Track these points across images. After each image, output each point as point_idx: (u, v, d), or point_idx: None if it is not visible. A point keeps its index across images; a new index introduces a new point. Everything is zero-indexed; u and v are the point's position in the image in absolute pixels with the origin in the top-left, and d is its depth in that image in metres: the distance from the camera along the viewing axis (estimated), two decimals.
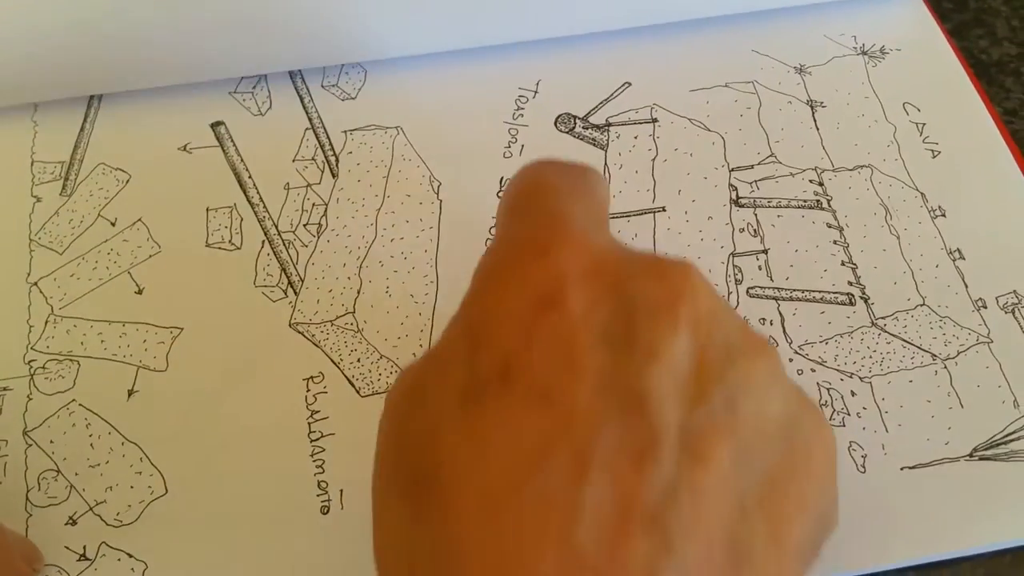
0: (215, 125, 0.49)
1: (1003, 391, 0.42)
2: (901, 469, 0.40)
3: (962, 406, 0.42)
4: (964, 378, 0.43)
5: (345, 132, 0.49)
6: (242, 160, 0.48)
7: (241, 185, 0.47)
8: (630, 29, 0.52)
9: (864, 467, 0.40)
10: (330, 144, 0.48)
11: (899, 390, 0.42)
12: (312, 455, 0.40)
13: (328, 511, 0.39)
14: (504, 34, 0.51)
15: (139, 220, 0.46)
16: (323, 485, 0.39)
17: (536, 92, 0.51)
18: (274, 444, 0.40)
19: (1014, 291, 0.45)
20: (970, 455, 0.41)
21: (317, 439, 0.40)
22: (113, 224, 0.46)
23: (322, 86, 0.50)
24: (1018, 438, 0.41)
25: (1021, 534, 0.39)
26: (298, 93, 0.50)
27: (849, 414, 0.42)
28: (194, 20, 0.46)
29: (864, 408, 0.42)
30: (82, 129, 0.48)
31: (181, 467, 0.40)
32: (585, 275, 0.28)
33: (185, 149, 0.48)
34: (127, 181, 0.47)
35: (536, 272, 0.28)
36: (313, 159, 0.48)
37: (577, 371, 0.26)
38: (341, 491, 0.39)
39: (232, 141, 0.48)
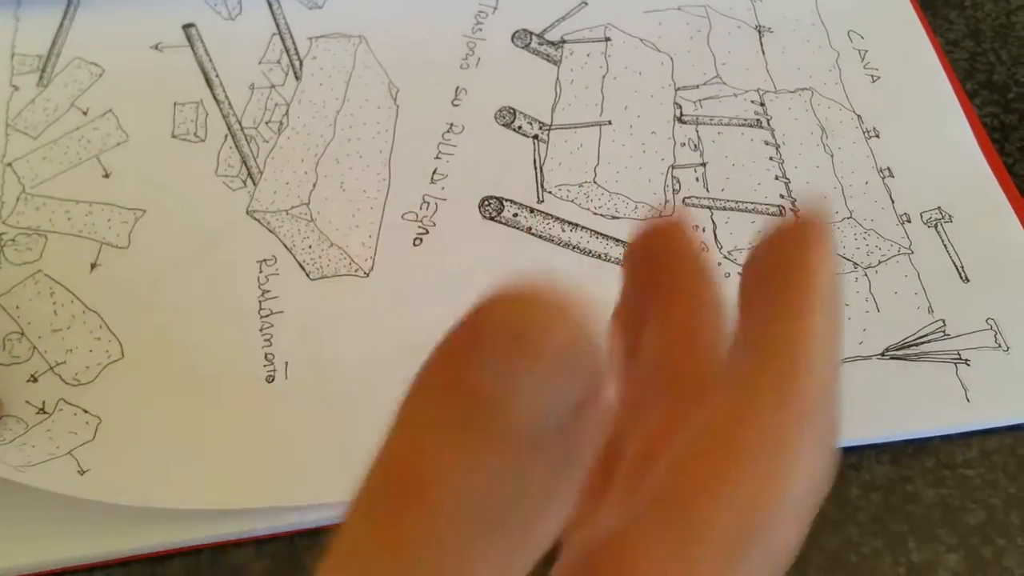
0: (187, 27, 0.51)
1: (919, 298, 0.45)
2: None
3: (878, 310, 0.44)
4: (883, 285, 0.45)
5: (310, 39, 0.51)
6: (210, 60, 0.50)
7: (208, 83, 0.49)
8: None
9: None
10: (295, 49, 0.51)
11: None
12: (261, 330, 0.43)
13: (273, 380, 0.41)
14: None
15: (110, 111, 0.48)
16: (270, 357, 0.42)
17: (496, 8, 0.53)
18: (226, 318, 0.43)
19: (938, 207, 0.47)
20: (882, 354, 0.43)
21: (266, 315, 0.43)
22: (85, 114, 0.48)
23: None
24: (928, 340, 0.43)
25: (924, 425, 0.42)
26: (267, 0, 0.52)
27: None
28: None
29: None
30: (61, 25, 0.51)
31: (138, 335, 0.42)
32: None
33: (157, 48, 0.50)
34: (100, 75, 0.49)
35: None
36: (278, 62, 0.50)
37: None
38: (286, 363, 0.42)
39: (202, 42, 0.51)
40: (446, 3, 0.53)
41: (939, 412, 0.42)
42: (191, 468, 0.39)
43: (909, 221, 0.47)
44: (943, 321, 0.44)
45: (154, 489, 0.39)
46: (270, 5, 0.52)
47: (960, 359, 0.43)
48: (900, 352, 0.43)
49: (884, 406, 0.42)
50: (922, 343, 0.43)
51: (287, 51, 0.51)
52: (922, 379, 0.43)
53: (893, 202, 0.48)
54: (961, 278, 0.45)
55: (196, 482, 0.39)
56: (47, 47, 0.50)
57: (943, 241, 0.46)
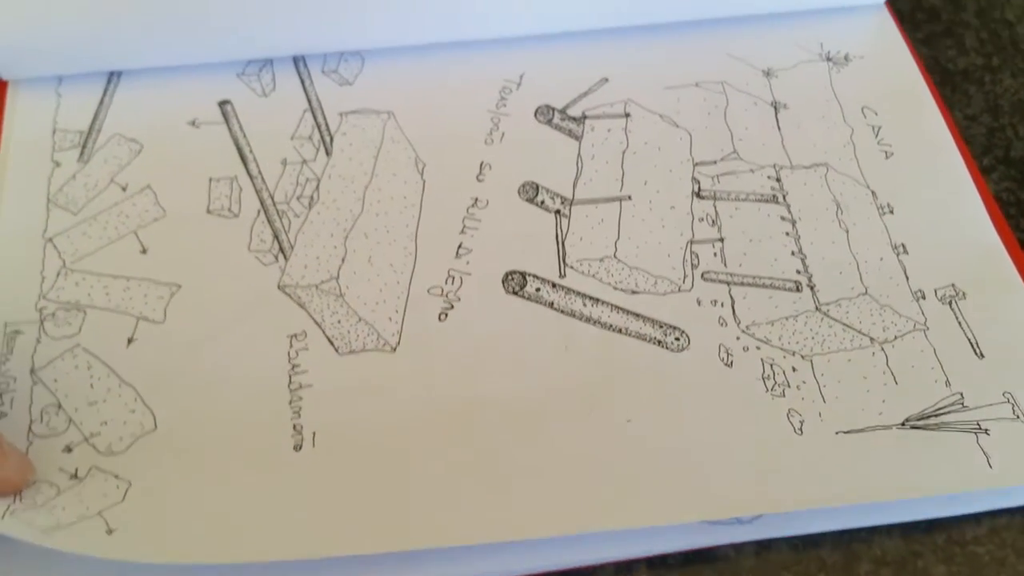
0: (222, 103, 0.53)
1: (936, 372, 0.46)
2: (836, 433, 0.44)
3: (896, 383, 0.46)
4: (900, 360, 0.46)
5: (341, 114, 0.53)
6: (244, 136, 0.52)
7: (242, 159, 0.51)
8: (611, 29, 0.56)
9: (801, 431, 0.44)
10: (326, 125, 0.53)
11: (837, 368, 0.46)
12: (290, 403, 0.44)
13: (300, 449, 0.43)
14: (492, 29, 0.55)
15: (148, 186, 0.50)
16: (298, 427, 0.44)
17: (519, 84, 0.55)
18: (257, 391, 0.44)
19: (952, 284, 0.49)
20: (902, 424, 0.44)
21: (296, 389, 0.45)
22: (124, 189, 0.50)
23: (323, 71, 0.55)
24: (947, 412, 0.45)
25: (947, 489, 0.43)
26: (300, 77, 0.54)
27: (789, 386, 0.45)
28: (208, 4, 0.51)
29: (804, 382, 0.46)
30: (101, 102, 0.53)
31: (171, 406, 0.44)
32: None
33: (194, 124, 0.52)
34: (139, 151, 0.51)
35: None
36: (310, 138, 0.52)
37: None
38: (314, 433, 0.44)
39: (237, 118, 0.53)
40: (472, 80, 0.55)
41: (962, 478, 0.43)
42: (216, 526, 0.41)
43: (924, 298, 0.48)
44: (961, 394, 0.45)
45: (180, 547, 0.40)
46: (303, 82, 0.54)
47: (980, 429, 0.44)
48: (920, 422, 0.44)
49: (908, 471, 0.43)
50: (941, 414, 0.45)
51: (318, 127, 0.53)
52: (944, 447, 0.44)
53: (908, 279, 0.49)
54: (976, 354, 0.47)
55: (221, 538, 0.41)
56: (88, 123, 0.52)
57: (957, 318, 0.48)
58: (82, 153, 0.51)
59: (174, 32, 0.52)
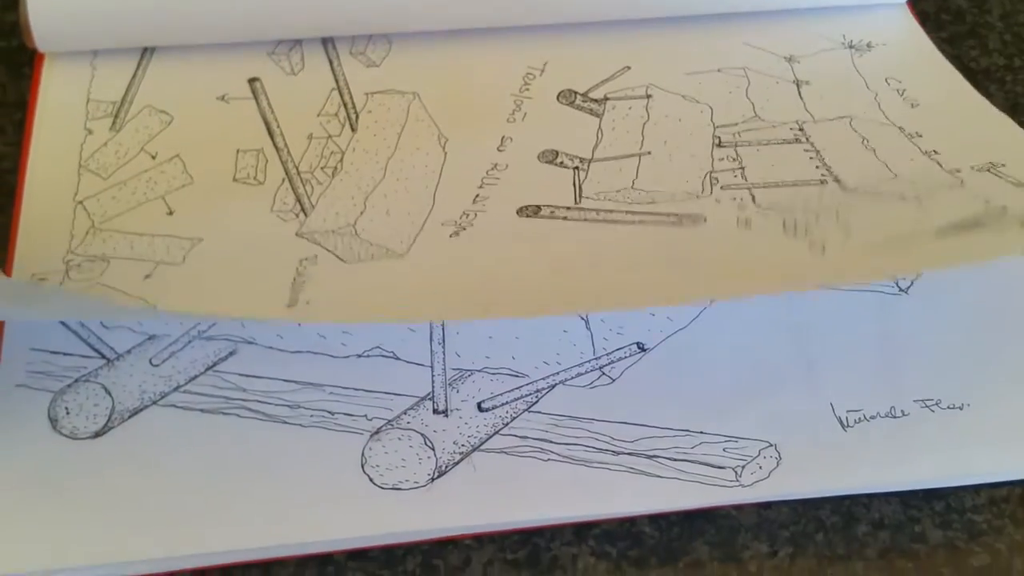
0: (252, 80, 0.55)
1: (975, 202, 0.47)
2: (862, 247, 0.45)
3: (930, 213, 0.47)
4: (936, 203, 0.47)
5: (367, 94, 0.54)
6: (272, 112, 0.53)
7: (269, 133, 0.53)
8: (634, 20, 0.57)
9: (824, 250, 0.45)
10: (352, 103, 0.54)
11: (866, 213, 0.47)
12: (290, 289, 0.44)
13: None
14: (518, 17, 0.56)
15: (177, 156, 0.51)
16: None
17: (543, 71, 0.56)
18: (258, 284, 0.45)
19: (989, 161, 0.50)
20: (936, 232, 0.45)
21: (301, 284, 0.45)
22: (153, 158, 0.51)
23: (351, 53, 0.56)
24: (988, 217, 0.46)
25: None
26: (328, 58, 0.56)
27: (811, 230, 0.46)
28: None
29: (828, 226, 0.46)
30: (134, 75, 0.54)
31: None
32: None
33: (223, 99, 0.54)
34: (170, 123, 0.53)
35: None
36: (336, 115, 0.53)
37: None
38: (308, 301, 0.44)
39: (265, 95, 0.54)
40: (496, 65, 0.56)
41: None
42: None
43: (959, 171, 0.49)
44: (1004, 207, 0.46)
45: None
46: (331, 62, 0.56)
47: None
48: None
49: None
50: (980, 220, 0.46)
51: (344, 105, 0.54)
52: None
53: (942, 166, 0.50)
54: (1018, 186, 0.48)
55: None
56: (120, 95, 0.54)
57: (996, 175, 0.49)
58: (114, 122, 0.53)
59: (208, 11, 0.54)
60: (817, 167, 0.50)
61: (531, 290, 0.44)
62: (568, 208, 0.48)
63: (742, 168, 0.51)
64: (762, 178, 0.50)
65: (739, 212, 0.48)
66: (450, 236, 0.47)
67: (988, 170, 0.49)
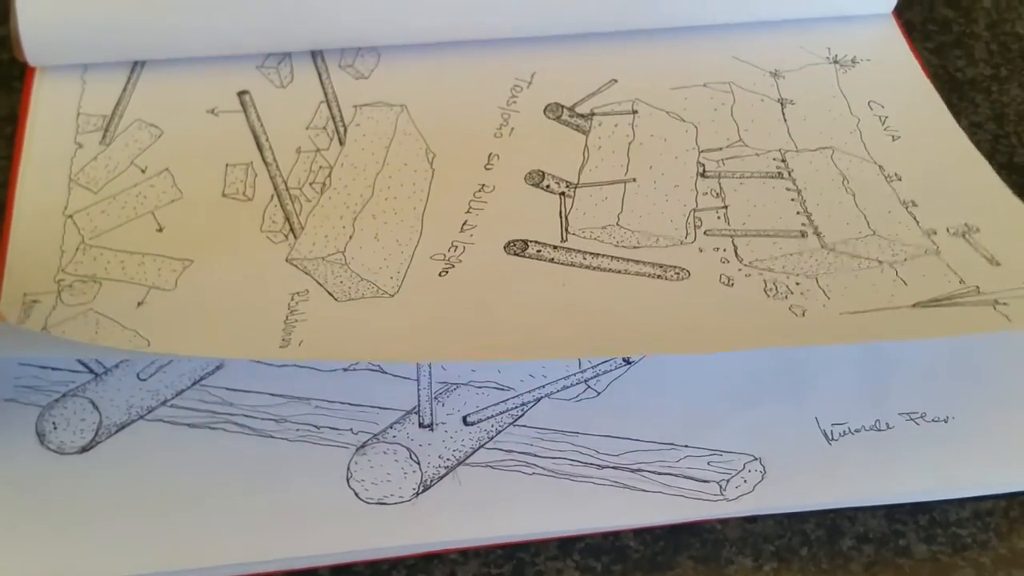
0: (241, 93, 0.55)
1: (949, 276, 0.47)
2: (840, 314, 0.45)
3: (906, 284, 0.47)
4: (911, 272, 0.48)
5: (355, 107, 0.55)
6: (261, 125, 0.54)
7: (258, 146, 0.53)
8: (621, 32, 0.58)
9: (804, 314, 0.46)
10: (341, 116, 0.54)
11: (844, 280, 0.48)
12: (282, 330, 0.45)
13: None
14: (505, 29, 0.57)
15: (166, 170, 0.52)
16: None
17: (530, 83, 0.56)
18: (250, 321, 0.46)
19: (964, 223, 0.50)
20: (912, 307, 0.46)
21: (292, 324, 0.45)
22: (143, 172, 0.52)
23: (339, 65, 0.56)
24: (961, 298, 0.46)
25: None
26: (317, 70, 0.56)
27: (792, 293, 0.47)
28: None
29: (808, 290, 0.47)
30: (124, 89, 0.55)
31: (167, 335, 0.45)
32: None
33: (213, 112, 0.54)
34: (159, 136, 0.53)
35: None
36: (324, 128, 0.54)
37: None
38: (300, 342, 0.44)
39: (254, 108, 0.54)
40: (484, 78, 0.56)
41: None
42: None
43: (935, 233, 0.50)
44: (977, 287, 0.47)
45: None
46: (319, 75, 0.56)
47: (998, 302, 0.45)
48: (931, 304, 0.46)
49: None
50: (955, 298, 0.46)
51: (333, 118, 0.54)
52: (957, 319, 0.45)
53: (918, 222, 0.50)
54: (992, 263, 0.48)
55: None
56: (111, 108, 0.54)
57: (971, 244, 0.49)
58: (104, 136, 0.53)
59: (197, 25, 0.54)
60: (798, 213, 0.51)
61: (518, 331, 0.45)
62: (555, 248, 0.49)
63: (725, 208, 0.51)
64: (744, 223, 0.50)
65: (722, 267, 0.48)
66: (439, 275, 0.48)
67: (964, 235, 0.49)
